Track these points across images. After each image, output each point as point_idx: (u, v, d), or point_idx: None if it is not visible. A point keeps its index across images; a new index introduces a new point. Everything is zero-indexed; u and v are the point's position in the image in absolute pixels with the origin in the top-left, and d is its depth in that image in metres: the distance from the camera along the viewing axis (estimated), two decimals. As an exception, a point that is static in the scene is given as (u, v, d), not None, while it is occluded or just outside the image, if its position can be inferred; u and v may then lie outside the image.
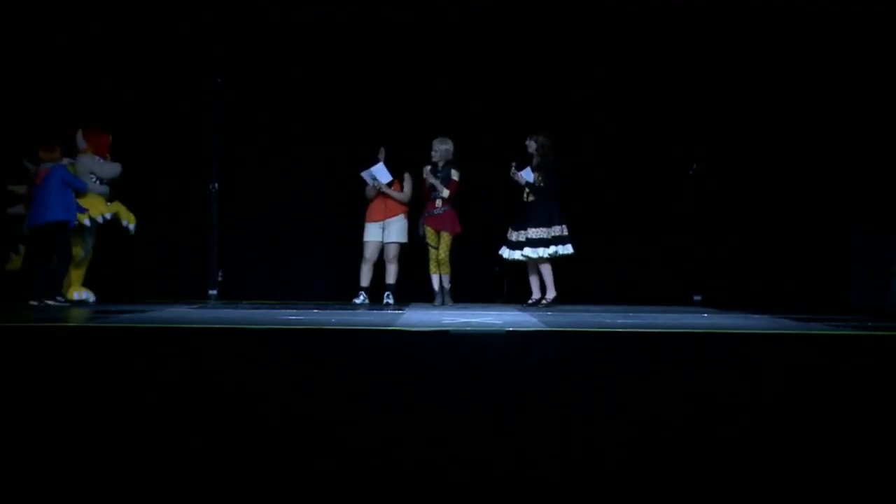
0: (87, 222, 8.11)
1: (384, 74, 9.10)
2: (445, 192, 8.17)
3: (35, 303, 7.73)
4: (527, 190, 8.03)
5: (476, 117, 8.94)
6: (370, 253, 8.40)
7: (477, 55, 9.07)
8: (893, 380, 3.91)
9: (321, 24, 9.04)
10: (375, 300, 8.41)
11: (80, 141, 8.33)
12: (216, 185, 8.74)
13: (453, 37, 9.04)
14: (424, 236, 8.29)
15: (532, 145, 8.07)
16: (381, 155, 8.34)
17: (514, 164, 8.02)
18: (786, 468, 2.88)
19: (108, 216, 8.26)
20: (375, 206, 8.42)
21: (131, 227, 8.36)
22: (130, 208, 8.42)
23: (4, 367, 4.02)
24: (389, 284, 8.41)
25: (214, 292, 8.71)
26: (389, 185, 8.35)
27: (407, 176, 8.42)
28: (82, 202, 8.12)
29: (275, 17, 9.00)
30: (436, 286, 8.27)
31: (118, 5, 8.85)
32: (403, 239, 8.39)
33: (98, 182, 8.31)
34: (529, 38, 9.06)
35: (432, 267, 8.27)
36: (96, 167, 8.34)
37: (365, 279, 8.41)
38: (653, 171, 9.06)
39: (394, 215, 8.38)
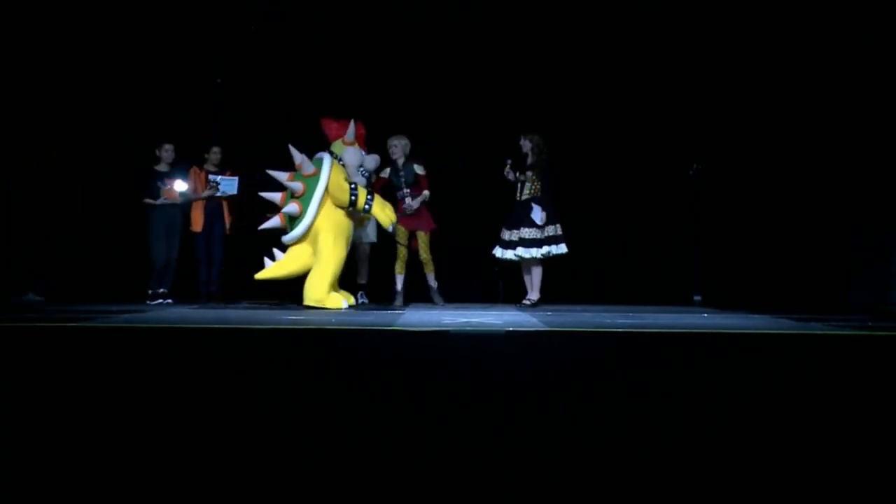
0: (390, 229, 7.77)
1: (384, 75, 9.11)
2: (426, 194, 8.10)
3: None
4: (519, 189, 7.98)
5: (473, 117, 8.95)
6: None
7: (476, 54, 9.09)
8: (893, 380, 3.91)
9: (321, 24, 9.05)
10: (381, 298, 8.47)
11: (352, 132, 7.71)
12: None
13: (454, 36, 9.06)
14: (395, 234, 8.21)
15: (527, 144, 8.01)
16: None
17: (508, 161, 7.97)
18: (786, 468, 2.88)
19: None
20: None
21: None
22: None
23: (3, 367, 4.02)
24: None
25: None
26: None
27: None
28: (382, 209, 7.58)
29: (275, 18, 9.00)
30: (398, 286, 8.21)
31: (118, 5, 8.86)
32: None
33: (364, 175, 7.77)
34: (528, 37, 9.07)
35: (398, 266, 8.20)
36: (365, 160, 7.81)
37: None
38: (653, 171, 9.08)
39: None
